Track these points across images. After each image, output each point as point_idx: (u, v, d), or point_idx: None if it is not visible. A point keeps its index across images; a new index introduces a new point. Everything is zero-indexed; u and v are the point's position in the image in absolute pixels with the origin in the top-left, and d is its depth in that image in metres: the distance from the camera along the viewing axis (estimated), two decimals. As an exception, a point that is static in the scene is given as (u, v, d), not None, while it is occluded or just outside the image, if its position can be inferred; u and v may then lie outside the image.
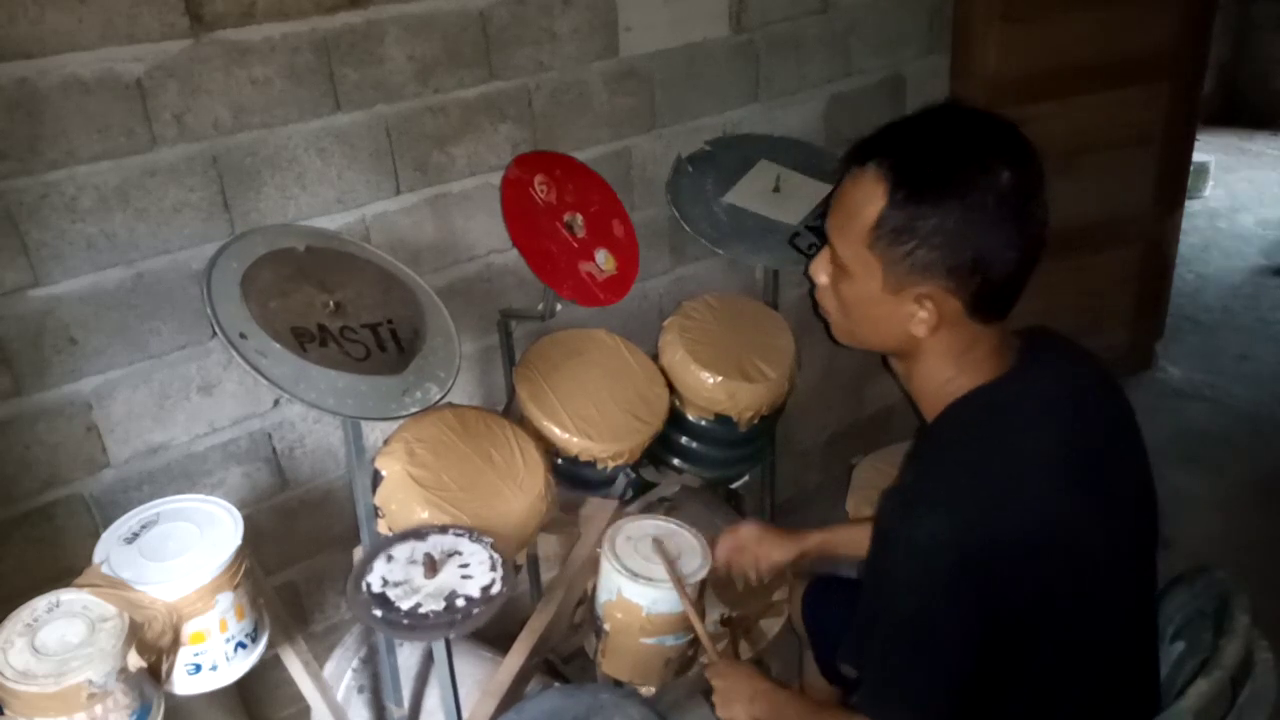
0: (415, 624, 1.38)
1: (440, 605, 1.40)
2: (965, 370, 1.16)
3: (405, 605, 1.40)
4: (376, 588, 1.43)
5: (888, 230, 1.09)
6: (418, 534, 1.51)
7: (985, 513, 1.08)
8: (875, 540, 1.16)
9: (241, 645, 1.43)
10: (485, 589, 1.41)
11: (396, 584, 1.43)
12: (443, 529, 1.51)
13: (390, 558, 1.48)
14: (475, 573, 1.44)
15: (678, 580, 1.51)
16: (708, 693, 1.45)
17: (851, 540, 1.58)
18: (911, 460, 1.23)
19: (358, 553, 1.73)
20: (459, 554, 1.47)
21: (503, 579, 1.42)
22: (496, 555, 1.46)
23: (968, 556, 1.06)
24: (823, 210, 2.06)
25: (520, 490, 1.62)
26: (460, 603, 1.40)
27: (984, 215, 1.07)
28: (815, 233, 2.04)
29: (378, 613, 1.40)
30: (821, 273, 1.21)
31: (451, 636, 1.41)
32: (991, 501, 1.08)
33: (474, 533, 1.50)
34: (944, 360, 1.16)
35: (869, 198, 1.10)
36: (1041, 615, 1.12)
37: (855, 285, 1.16)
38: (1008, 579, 1.08)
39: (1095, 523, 1.14)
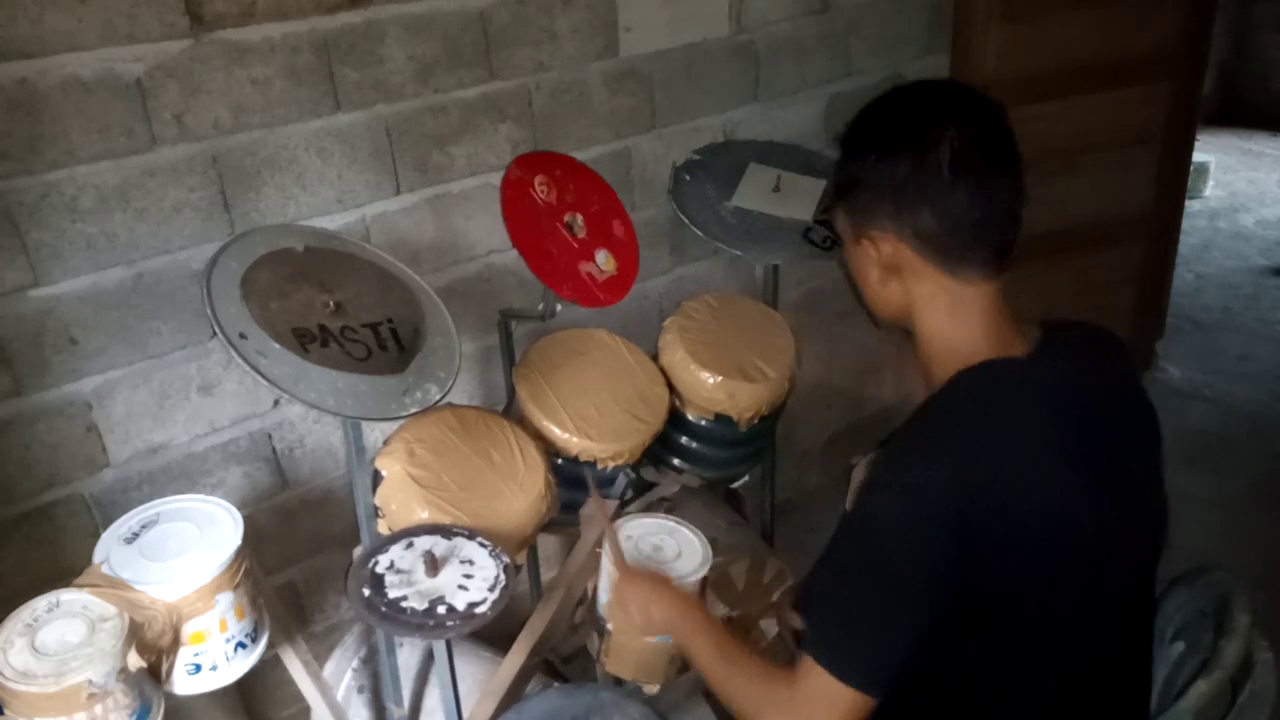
0: (391, 616, 1.37)
1: (423, 606, 1.39)
2: (964, 336, 1.18)
3: (393, 594, 1.40)
4: (381, 569, 1.43)
5: (840, 184, 1.25)
6: (445, 531, 1.50)
7: (976, 472, 1.08)
8: (858, 491, 1.16)
9: (241, 645, 1.43)
10: (471, 605, 1.40)
11: (399, 572, 1.43)
12: (470, 534, 1.50)
13: (410, 545, 1.48)
14: (473, 586, 1.42)
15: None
16: (708, 693, 1.45)
17: None
18: (910, 418, 1.22)
19: (357, 552, 1.73)
20: (470, 563, 1.46)
21: (494, 603, 1.40)
22: (504, 578, 1.44)
23: (951, 508, 1.06)
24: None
25: (520, 490, 1.62)
26: (441, 610, 1.39)
27: (902, 158, 1.16)
28: (827, 226, 2.04)
29: (365, 592, 1.40)
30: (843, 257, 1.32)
31: (417, 640, 1.40)
32: (981, 464, 1.09)
33: (494, 548, 1.48)
34: (936, 319, 1.20)
35: (837, 169, 1.27)
36: (1016, 593, 1.11)
37: (845, 250, 1.28)
38: (991, 546, 1.08)
39: (1092, 516, 1.13)
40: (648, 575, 1.45)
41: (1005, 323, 1.19)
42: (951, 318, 1.19)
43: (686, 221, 2.06)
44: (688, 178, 2.16)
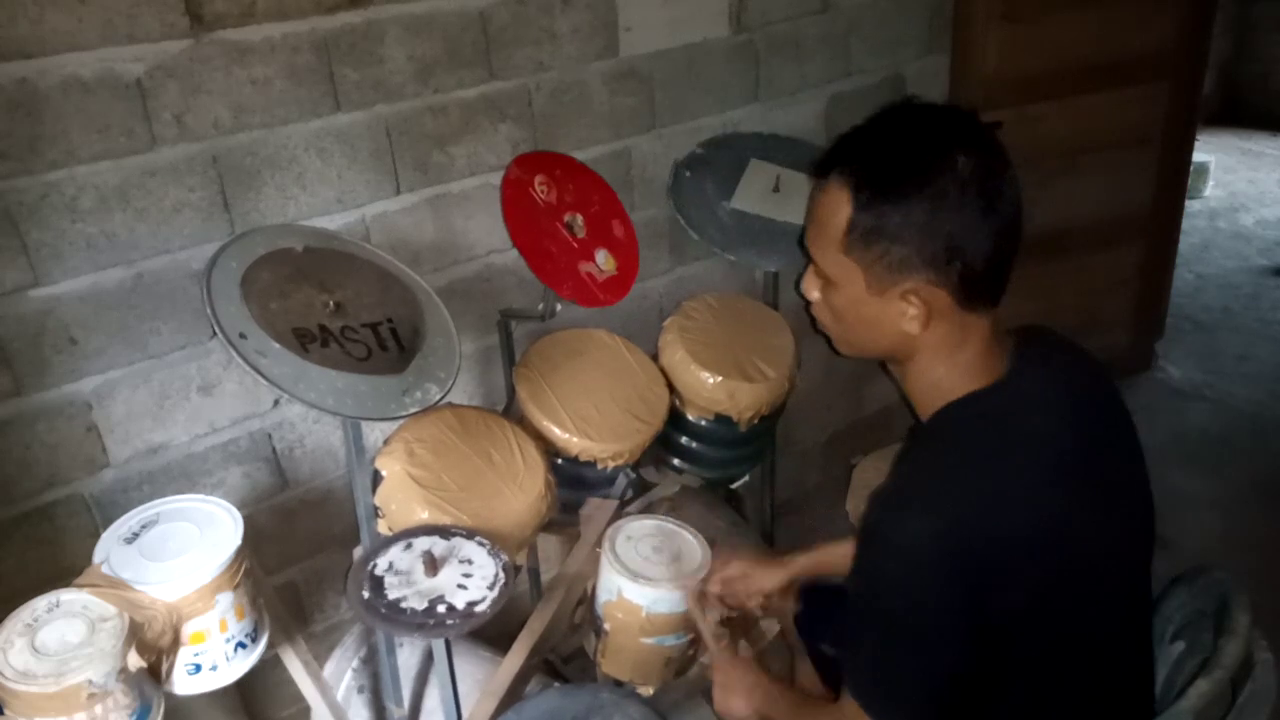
0: (390, 616, 1.38)
1: (422, 605, 1.39)
2: (958, 370, 1.16)
3: (392, 595, 1.40)
4: (380, 570, 1.43)
5: (859, 234, 1.11)
6: (443, 531, 1.50)
7: (971, 513, 1.08)
8: (860, 538, 1.16)
9: (241, 645, 1.43)
10: (470, 604, 1.40)
11: (399, 572, 1.43)
12: (469, 534, 1.50)
13: (409, 545, 1.48)
14: (472, 585, 1.43)
15: (690, 592, 1.52)
16: (707, 691, 1.45)
17: (842, 559, 1.60)
18: (900, 461, 1.23)
19: (357, 552, 1.73)
20: (470, 562, 1.46)
21: (493, 601, 1.41)
22: (502, 576, 1.44)
23: (953, 556, 1.06)
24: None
25: (520, 490, 1.62)
26: (441, 609, 1.39)
27: (948, 203, 1.07)
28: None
29: (365, 593, 1.40)
30: (811, 288, 1.22)
31: (417, 639, 1.40)
32: (979, 502, 1.08)
33: (493, 548, 1.49)
34: (937, 357, 1.16)
35: (836, 206, 1.12)
36: (1034, 615, 1.12)
37: (842, 293, 1.17)
38: (998, 579, 1.08)
39: (1090, 525, 1.14)
40: (743, 667, 1.46)
41: (994, 344, 1.16)
42: (955, 353, 1.15)
43: (684, 224, 2.06)
44: (688, 174, 2.15)
